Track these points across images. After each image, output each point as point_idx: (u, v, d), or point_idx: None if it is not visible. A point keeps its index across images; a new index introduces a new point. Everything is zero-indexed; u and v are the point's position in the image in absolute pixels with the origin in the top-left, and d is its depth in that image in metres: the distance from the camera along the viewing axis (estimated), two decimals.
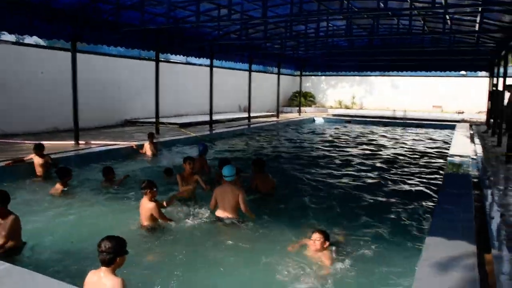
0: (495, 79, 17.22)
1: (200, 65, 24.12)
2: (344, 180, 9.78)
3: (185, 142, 14.63)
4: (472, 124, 22.17)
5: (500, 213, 6.20)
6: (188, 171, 7.57)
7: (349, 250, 5.50)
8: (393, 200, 8.05)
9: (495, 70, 16.85)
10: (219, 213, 6.49)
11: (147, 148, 12.22)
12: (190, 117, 21.93)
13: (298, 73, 31.56)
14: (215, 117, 19.76)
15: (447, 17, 12.37)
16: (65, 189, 7.90)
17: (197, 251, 5.52)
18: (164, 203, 6.53)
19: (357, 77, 32.52)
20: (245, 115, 23.72)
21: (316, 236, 5.18)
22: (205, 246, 5.69)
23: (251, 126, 20.34)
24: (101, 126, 17.58)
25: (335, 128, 22.41)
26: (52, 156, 9.85)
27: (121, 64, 19.10)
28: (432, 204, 7.65)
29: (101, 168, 9.75)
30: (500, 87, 15.61)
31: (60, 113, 15.51)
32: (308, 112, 30.25)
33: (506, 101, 15.11)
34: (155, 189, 6.17)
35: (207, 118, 21.02)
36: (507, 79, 16.09)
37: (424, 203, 7.78)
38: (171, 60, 22.14)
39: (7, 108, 14.17)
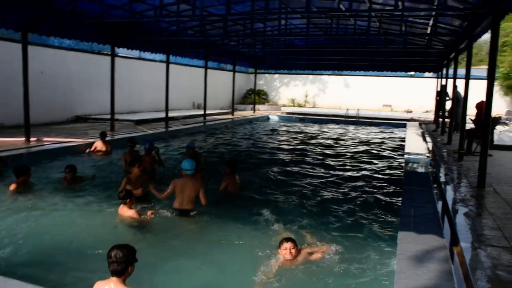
0: (443, 79, 18.07)
1: (153, 60, 23.66)
2: (306, 178, 9.82)
3: (142, 139, 14.24)
4: (421, 123, 23.12)
5: (461, 207, 6.51)
6: (136, 174, 7.44)
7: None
8: (356, 196, 8.23)
9: (443, 71, 17.67)
10: (177, 204, 6.61)
11: (99, 147, 11.69)
12: (144, 113, 21.47)
13: (252, 70, 31.74)
14: (170, 114, 19.41)
15: (401, 19, 12.83)
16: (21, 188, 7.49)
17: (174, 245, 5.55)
18: (149, 213, 6.55)
19: (310, 76, 33.08)
20: (200, 112, 23.56)
21: (289, 245, 4.94)
22: (179, 240, 5.78)
23: (207, 123, 20.17)
24: (50, 122, 16.82)
25: (290, 126, 22.67)
26: (1, 154, 9.32)
27: (71, 58, 18.35)
28: (395, 199, 7.93)
29: (58, 166, 9.40)
30: (449, 88, 16.47)
31: (5, 108, 14.71)
32: (261, 110, 30.40)
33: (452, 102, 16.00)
34: (133, 198, 6.43)
35: (162, 115, 20.67)
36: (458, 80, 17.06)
37: (386, 198, 8.05)
38: (124, 55, 21.52)
39: None
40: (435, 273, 4.18)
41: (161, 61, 23.79)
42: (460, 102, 15.46)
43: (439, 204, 6.75)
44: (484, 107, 11.21)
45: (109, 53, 20.32)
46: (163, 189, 6.86)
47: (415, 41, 17.38)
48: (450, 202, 6.68)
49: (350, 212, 7.14)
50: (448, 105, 16.97)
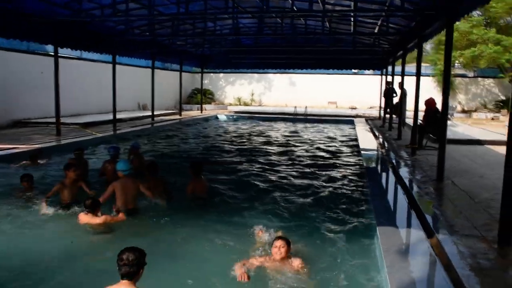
0: (389, 77, 18.80)
1: (96, 60, 22.77)
2: (270, 178, 9.79)
3: (92, 143, 13.70)
4: (367, 119, 23.90)
5: (427, 200, 6.79)
6: (71, 179, 7.12)
7: (303, 250, 5.34)
8: (324, 193, 8.25)
9: (389, 69, 18.37)
10: (120, 205, 6.55)
11: None
12: (88, 116, 20.60)
13: (196, 70, 31.41)
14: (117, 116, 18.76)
15: (352, 19, 13.19)
16: None
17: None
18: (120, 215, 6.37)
19: (255, 74, 33.24)
20: (146, 113, 23.01)
21: (280, 243, 4.77)
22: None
23: (156, 124, 19.71)
24: None
25: (241, 125, 22.68)
26: None
27: (6, 58, 17.19)
28: (360, 193, 8.08)
29: (3, 175, 8.83)
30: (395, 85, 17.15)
31: None
32: (208, 109, 30.13)
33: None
34: (100, 205, 6.26)
35: (107, 117, 19.97)
36: (399, 77, 17.78)
37: (352, 195, 8.17)
38: (64, 55, 20.52)
39: None
40: (423, 265, 4.33)
41: (103, 61, 22.96)
42: (405, 98, 16.19)
43: (405, 198, 6.97)
44: (433, 103, 11.89)
45: (49, 53, 19.50)
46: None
47: (362, 40, 17.94)
48: (416, 196, 6.90)
49: (319, 211, 7.04)
50: (395, 101, 17.66)
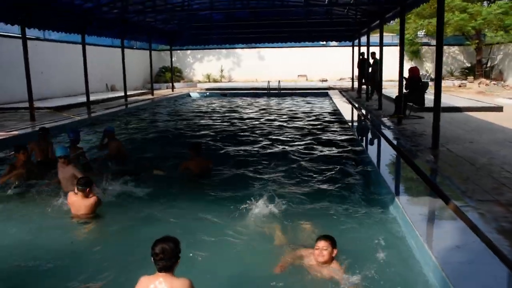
0: (362, 48, 18.89)
1: (60, 41, 21.81)
2: (265, 155, 9.70)
3: (70, 126, 13.21)
4: (340, 90, 24.07)
5: (431, 168, 6.92)
6: (21, 161, 7.15)
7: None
8: (325, 170, 7.98)
9: (362, 40, 18.42)
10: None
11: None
12: (56, 99, 19.79)
13: (162, 47, 30.65)
14: (82, 99, 18.09)
15: None
16: None
17: None
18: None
19: (223, 50, 32.77)
20: (116, 94, 22.38)
21: (323, 244, 4.13)
22: None
23: (131, 105, 19.19)
24: None
25: (215, 102, 22.39)
26: None
27: None
28: (361, 169, 8.07)
29: None
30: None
31: None
32: (177, 87, 29.53)
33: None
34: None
35: (74, 100, 19.28)
36: (373, 48, 17.90)
37: (355, 169, 8.07)
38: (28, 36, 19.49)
39: None
40: (453, 231, 4.40)
41: (66, 42, 22.02)
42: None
43: (410, 167, 7.07)
44: (417, 71, 12.03)
45: (8, 34, 18.49)
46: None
47: (335, 11, 17.85)
48: (420, 165, 6.99)
49: (327, 190, 6.78)
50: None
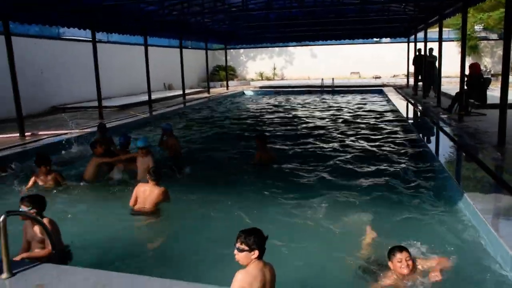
0: (418, 44, 18.57)
1: (122, 43, 22.87)
2: (324, 154, 9.91)
3: (137, 123, 14.07)
4: (395, 87, 23.76)
5: (500, 165, 6.90)
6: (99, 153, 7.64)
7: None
8: (387, 170, 8.02)
9: (419, 36, 18.10)
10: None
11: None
12: (118, 98, 20.79)
13: (216, 47, 31.33)
14: (144, 98, 18.93)
15: None
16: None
17: None
18: None
19: (276, 48, 33.06)
20: (174, 93, 23.20)
21: (405, 254, 3.92)
22: None
23: (189, 103, 19.88)
24: (26, 115, 15.87)
25: (269, 99, 22.76)
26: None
27: (37, 46, 17.35)
28: (425, 166, 8.11)
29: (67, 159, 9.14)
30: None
31: None
32: (231, 86, 30.13)
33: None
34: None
35: (139, 98, 20.18)
36: (430, 44, 17.61)
37: (417, 166, 8.15)
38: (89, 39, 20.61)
39: None
40: None
41: (127, 43, 23.05)
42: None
43: (476, 164, 7.05)
44: (478, 68, 11.79)
45: (78, 38, 19.63)
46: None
47: (392, 8, 17.67)
48: (488, 163, 6.93)
49: (391, 190, 6.75)
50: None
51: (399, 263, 3.87)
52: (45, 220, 4.38)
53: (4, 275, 3.56)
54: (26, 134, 11.38)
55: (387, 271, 4.01)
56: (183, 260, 4.70)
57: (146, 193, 6.01)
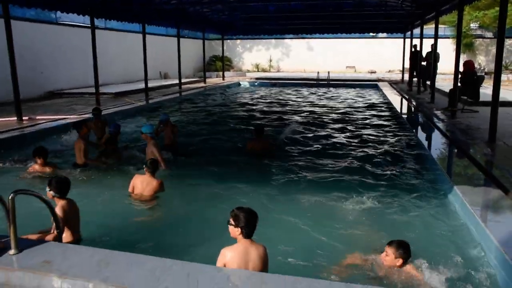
0: (414, 40, 18.73)
1: (121, 30, 22.82)
2: (315, 141, 10.11)
3: (134, 111, 14.17)
4: (390, 82, 23.97)
5: (490, 161, 7.10)
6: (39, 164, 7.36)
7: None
8: (382, 162, 8.21)
9: (415, 32, 18.22)
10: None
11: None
12: (115, 86, 20.84)
13: (213, 37, 31.34)
14: (140, 85, 18.98)
15: None
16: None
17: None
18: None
19: (273, 40, 33.10)
20: (170, 82, 23.26)
21: (388, 250, 4.09)
22: None
23: (185, 93, 19.97)
24: (23, 99, 15.86)
25: (265, 91, 22.88)
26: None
27: (34, 30, 17.27)
28: (417, 156, 8.35)
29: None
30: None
31: None
32: (227, 76, 30.17)
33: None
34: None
35: (136, 86, 20.23)
36: (426, 40, 17.78)
37: (410, 159, 8.39)
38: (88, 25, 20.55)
39: None
40: None
41: (128, 31, 23.01)
42: (437, 61, 16.22)
43: (467, 159, 7.26)
44: (472, 65, 11.99)
45: (75, 24, 19.60)
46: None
47: (389, 3, 17.79)
48: (478, 158, 7.16)
49: (382, 182, 6.94)
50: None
51: (383, 253, 4.10)
52: (62, 202, 4.56)
53: (12, 251, 3.69)
54: (24, 118, 11.45)
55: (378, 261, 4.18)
56: (181, 241, 4.91)
57: (143, 184, 6.22)
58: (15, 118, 11.34)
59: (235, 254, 3.62)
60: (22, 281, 3.45)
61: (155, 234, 5.20)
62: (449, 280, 3.87)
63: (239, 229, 3.63)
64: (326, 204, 5.91)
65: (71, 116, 11.99)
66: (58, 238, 4.27)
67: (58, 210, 4.42)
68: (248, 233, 3.65)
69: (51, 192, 4.60)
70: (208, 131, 11.80)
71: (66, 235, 4.55)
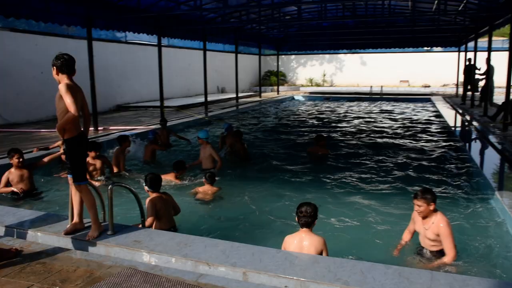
0: (468, 53, 18.72)
1: (182, 47, 24.29)
2: (374, 156, 10.52)
3: (195, 124, 15.20)
4: (443, 96, 23.84)
5: None
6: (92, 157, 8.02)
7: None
8: (433, 174, 8.44)
9: (469, 46, 18.23)
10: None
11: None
12: (176, 99, 22.17)
13: (268, 52, 32.36)
14: (199, 99, 20.12)
15: None
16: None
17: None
18: None
19: (326, 55, 33.64)
20: (227, 96, 24.39)
21: (417, 202, 4.55)
22: None
23: (241, 106, 20.95)
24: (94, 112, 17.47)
25: (318, 104, 23.48)
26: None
27: (106, 48, 18.88)
28: (467, 170, 8.60)
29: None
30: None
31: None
32: (281, 90, 31.03)
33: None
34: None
35: (195, 100, 21.46)
36: (480, 53, 17.76)
37: (461, 172, 8.66)
38: (154, 43, 22.12)
39: (4, 96, 14.02)
40: None
41: (187, 48, 24.43)
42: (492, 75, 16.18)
43: None
44: None
45: (143, 42, 21.22)
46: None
47: (442, 18, 17.98)
48: None
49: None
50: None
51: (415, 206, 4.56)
52: (153, 195, 5.43)
53: (109, 232, 4.60)
54: (99, 128, 12.76)
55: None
56: (249, 231, 5.77)
57: (204, 193, 7.04)
58: (92, 128, 12.64)
59: (291, 240, 4.35)
60: (119, 254, 4.33)
61: (226, 227, 5.92)
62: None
63: (297, 219, 4.35)
64: (380, 208, 6.44)
65: (139, 127, 13.17)
66: (142, 225, 5.13)
67: (148, 202, 5.31)
68: (302, 223, 4.32)
69: (146, 187, 5.50)
70: (266, 139, 12.64)
71: (158, 223, 5.33)
